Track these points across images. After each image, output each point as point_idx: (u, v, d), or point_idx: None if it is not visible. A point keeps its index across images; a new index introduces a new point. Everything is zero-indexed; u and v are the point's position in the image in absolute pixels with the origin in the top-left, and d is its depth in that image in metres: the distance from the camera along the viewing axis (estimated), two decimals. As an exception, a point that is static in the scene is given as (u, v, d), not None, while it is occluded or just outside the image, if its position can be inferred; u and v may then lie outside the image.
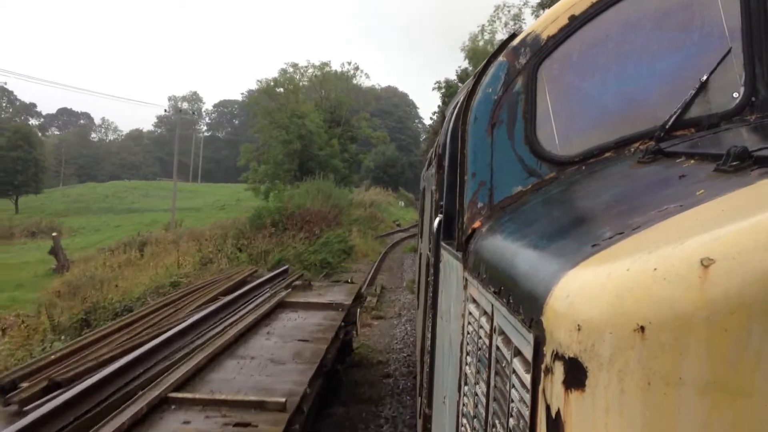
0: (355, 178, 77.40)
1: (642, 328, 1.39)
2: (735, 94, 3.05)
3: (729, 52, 3.05)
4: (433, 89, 63.33)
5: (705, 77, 3.03)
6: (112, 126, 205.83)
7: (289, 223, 38.97)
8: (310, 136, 64.46)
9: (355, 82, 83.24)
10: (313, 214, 40.83)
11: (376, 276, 30.83)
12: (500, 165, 3.20)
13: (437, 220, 4.60)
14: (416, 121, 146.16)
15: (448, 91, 58.08)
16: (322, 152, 65.57)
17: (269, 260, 30.25)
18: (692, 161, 2.21)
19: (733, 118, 3.00)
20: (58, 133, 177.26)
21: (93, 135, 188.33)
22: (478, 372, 2.73)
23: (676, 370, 1.35)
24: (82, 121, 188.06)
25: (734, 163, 1.85)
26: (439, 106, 64.74)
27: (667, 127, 2.91)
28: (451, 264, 3.85)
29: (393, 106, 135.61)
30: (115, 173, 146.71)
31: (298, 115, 64.58)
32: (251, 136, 73.34)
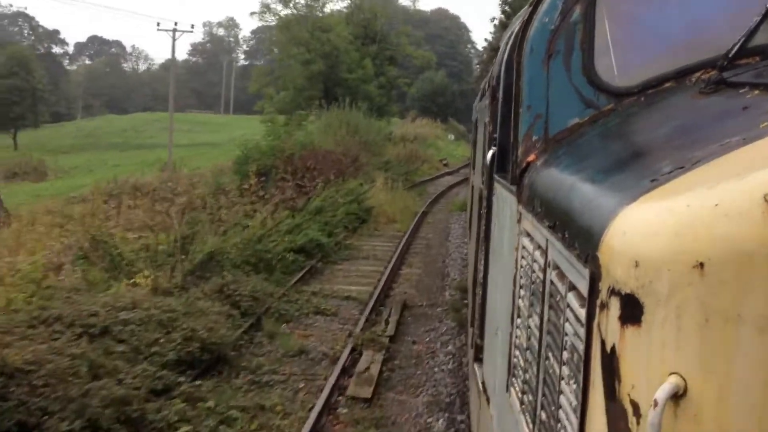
0: (394, 107, 64.23)
1: (701, 265, 1.37)
2: None
3: None
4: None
5: (772, 2, 2.89)
6: (143, 54, 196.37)
7: (286, 171, 26.57)
8: (336, 55, 52.95)
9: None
10: (320, 158, 28.60)
11: (397, 271, 18.05)
12: (556, 97, 3.14)
13: (491, 152, 4.56)
14: (468, 46, 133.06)
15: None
16: (353, 75, 53.37)
17: (190, 256, 14.36)
18: (756, 92, 2.14)
19: None
20: (89, 62, 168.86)
21: (124, 64, 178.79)
22: (531, 305, 2.74)
23: (736, 307, 1.34)
24: (113, 50, 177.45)
25: (802, 93, 1.78)
26: (494, 27, 57.19)
27: (730, 55, 2.80)
28: (504, 197, 3.84)
29: (443, 29, 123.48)
30: (147, 105, 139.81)
31: (322, 28, 53.17)
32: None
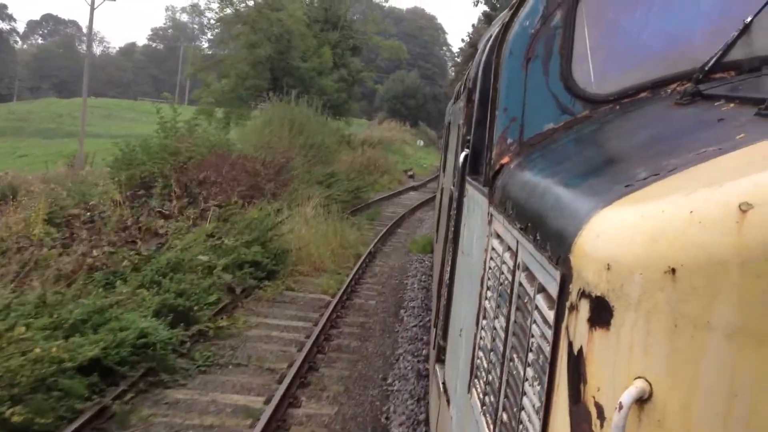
0: (355, 105, 54.37)
1: (673, 270, 1.38)
2: None
3: None
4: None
5: (749, 19, 2.92)
6: (98, 37, 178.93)
7: (167, 186, 18.21)
8: (288, 39, 42.99)
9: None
10: (224, 167, 19.69)
11: (294, 407, 9.11)
12: (533, 101, 3.14)
13: (463, 154, 4.56)
14: (444, 48, 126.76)
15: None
16: (306, 65, 43.74)
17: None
18: (732, 105, 2.16)
19: None
20: (42, 42, 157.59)
21: (80, 47, 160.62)
22: (498, 307, 2.74)
23: (705, 314, 1.34)
24: (68, 30, 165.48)
25: (778, 107, 1.80)
26: (473, 26, 53.28)
27: (706, 69, 2.83)
28: (476, 199, 3.84)
29: (418, 28, 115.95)
30: (100, 90, 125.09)
31: (272, 5, 43.29)
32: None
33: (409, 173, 47.76)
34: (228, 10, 46.20)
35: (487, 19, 48.65)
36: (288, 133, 29.71)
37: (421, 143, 69.59)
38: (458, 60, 74.20)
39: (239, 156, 21.91)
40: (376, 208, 29.49)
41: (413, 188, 40.69)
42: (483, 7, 51.80)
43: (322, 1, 52.48)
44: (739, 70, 2.90)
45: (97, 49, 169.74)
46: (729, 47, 2.88)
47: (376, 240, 21.54)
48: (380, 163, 42.93)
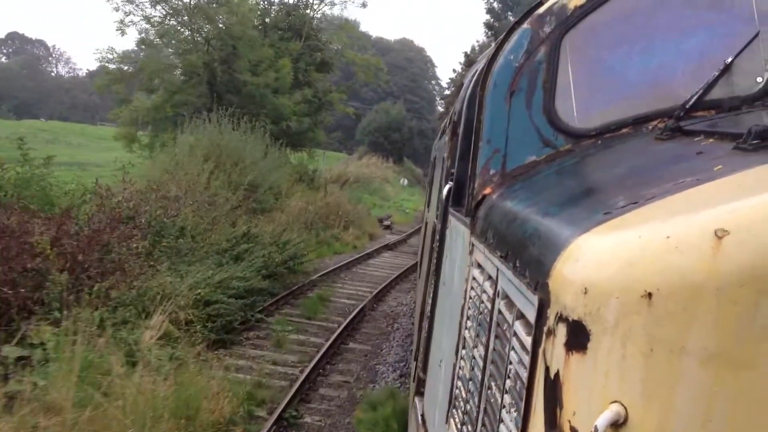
0: (321, 134, 41.71)
1: (650, 295, 1.38)
2: (759, 79, 3.01)
3: (757, 35, 3.01)
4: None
5: (730, 59, 2.98)
6: (63, 57, 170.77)
7: None
8: (234, 46, 32.95)
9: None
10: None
11: None
12: (516, 133, 3.18)
13: (447, 186, 4.58)
14: (433, 82, 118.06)
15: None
16: (257, 79, 33.04)
17: None
18: (711, 140, 2.19)
19: (755, 102, 2.97)
20: (5, 61, 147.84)
21: (49, 67, 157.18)
22: (477, 336, 2.74)
23: (681, 339, 1.35)
24: (35, 51, 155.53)
25: (755, 141, 1.83)
26: (465, 55, 48.85)
27: (687, 106, 2.88)
28: (458, 230, 3.85)
29: (406, 60, 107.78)
30: (64, 114, 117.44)
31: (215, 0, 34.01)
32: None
33: (386, 222, 36.41)
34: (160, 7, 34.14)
35: (490, 29, 46.58)
36: (209, 167, 21.04)
37: (405, 182, 61.24)
38: (448, 92, 68.80)
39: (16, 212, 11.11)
40: (323, 290, 17.83)
41: (388, 247, 28.88)
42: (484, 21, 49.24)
43: (283, 5, 40.92)
44: (719, 108, 2.96)
45: (63, 70, 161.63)
46: (710, 86, 2.94)
47: (290, 390, 10.36)
48: (347, 208, 31.45)
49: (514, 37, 3.27)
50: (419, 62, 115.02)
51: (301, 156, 39.45)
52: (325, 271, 20.42)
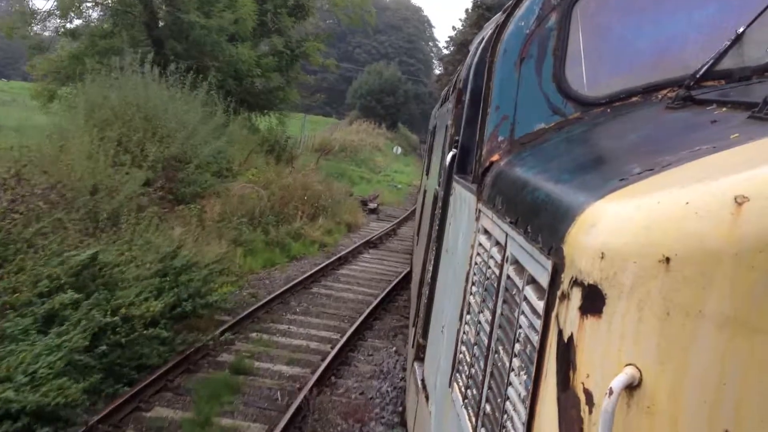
0: (295, 93, 32.66)
1: (667, 260, 1.39)
2: None
3: None
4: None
5: (742, 29, 2.97)
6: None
7: None
8: None
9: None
10: None
11: None
12: (525, 100, 3.17)
13: (451, 153, 4.58)
14: (430, 43, 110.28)
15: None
16: (209, 21, 24.53)
17: None
18: (724, 109, 2.19)
19: (765, 73, 2.96)
20: None
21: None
22: (483, 301, 2.76)
23: (698, 303, 1.36)
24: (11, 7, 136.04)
25: (771, 110, 1.83)
26: (466, 12, 45.95)
27: (698, 76, 2.87)
28: (463, 197, 3.86)
29: (402, 20, 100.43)
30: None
31: None
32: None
33: (371, 205, 28.91)
34: None
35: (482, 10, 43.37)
36: (113, 135, 14.90)
37: (399, 151, 53.40)
38: (447, 51, 63.46)
39: None
40: (246, 348, 10.78)
41: (371, 244, 21.20)
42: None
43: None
44: (730, 78, 2.95)
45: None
46: (721, 56, 2.92)
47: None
48: (315, 192, 23.19)
49: (526, 3, 3.25)
50: (416, 22, 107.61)
51: (270, 121, 31.62)
52: (263, 302, 12.77)
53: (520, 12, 3.27)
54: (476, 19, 44.54)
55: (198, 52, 24.94)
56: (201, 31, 24.21)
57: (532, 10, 3.21)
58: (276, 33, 30.10)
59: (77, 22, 26.66)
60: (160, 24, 25.80)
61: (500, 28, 3.41)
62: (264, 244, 17.39)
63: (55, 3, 25.42)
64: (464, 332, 3.09)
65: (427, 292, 5.35)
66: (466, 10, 47.10)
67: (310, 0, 32.83)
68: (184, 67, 20.42)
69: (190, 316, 10.56)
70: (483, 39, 4.61)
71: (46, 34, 28.19)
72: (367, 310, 13.27)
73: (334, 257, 18.15)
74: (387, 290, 15.08)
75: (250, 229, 17.19)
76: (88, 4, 26.33)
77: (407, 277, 15.34)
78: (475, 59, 4.41)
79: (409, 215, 27.45)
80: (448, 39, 65.81)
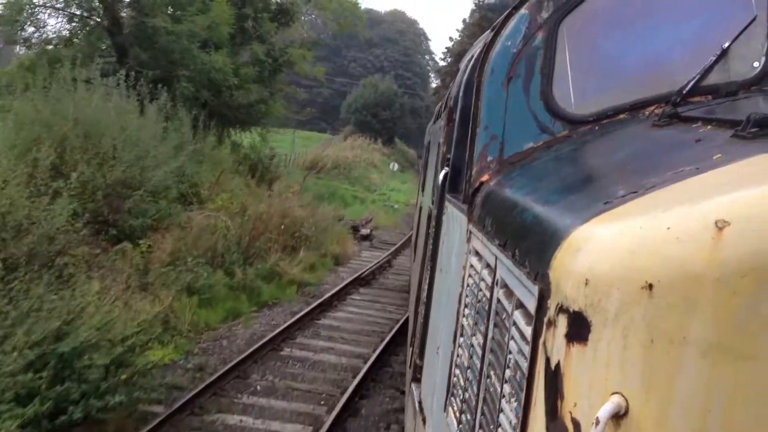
0: (279, 106, 28.74)
1: (650, 286, 1.38)
2: (756, 64, 3.01)
3: (754, 20, 3.00)
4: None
5: (727, 44, 2.97)
6: None
7: None
8: None
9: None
10: None
11: None
12: (513, 120, 3.17)
13: (443, 172, 4.58)
14: (427, 56, 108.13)
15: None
16: (179, 26, 21.26)
17: None
18: (709, 126, 2.19)
19: (752, 87, 2.96)
20: None
21: None
22: (475, 324, 2.74)
23: (682, 330, 1.35)
24: None
25: (753, 129, 1.82)
26: (463, 22, 45.44)
27: (684, 92, 2.87)
28: (455, 216, 3.85)
29: (398, 33, 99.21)
30: None
31: None
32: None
33: (363, 231, 26.32)
34: None
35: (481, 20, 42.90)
36: (46, 155, 12.05)
37: (396, 167, 51.15)
38: (444, 63, 62.11)
39: None
40: None
41: (362, 280, 18.02)
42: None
43: None
44: (716, 94, 2.95)
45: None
46: (706, 71, 2.93)
47: None
48: (295, 219, 19.51)
49: (512, 23, 3.25)
50: (412, 35, 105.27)
51: (253, 138, 28.95)
52: (211, 380, 9.72)
53: (506, 31, 3.27)
54: (479, 19, 44.25)
55: (167, 61, 21.69)
56: (168, 37, 21.14)
57: (519, 30, 3.21)
58: (258, 40, 26.41)
59: (31, 29, 22.65)
60: (125, 31, 22.60)
61: (488, 47, 3.41)
62: (227, 289, 14.05)
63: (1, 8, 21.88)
64: (458, 355, 3.07)
65: (422, 311, 5.33)
66: (464, 20, 46.80)
67: (294, 5, 29.65)
68: (150, 77, 18.71)
69: (85, 422, 7.05)
70: (472, 57, 4.62)
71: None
72: (353, 385, 10.22)
73: (316, 302, 14.83)
74: (380, 349, 11.99)
75: (210, 271, 13.77)
76: (41, 9, 22.46)
77: (405, 326, 12.28)
78: (465, 78, 4.41)
79: (406, 241, 23.60)
80: (446, 50, 64.22)
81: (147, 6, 21.48)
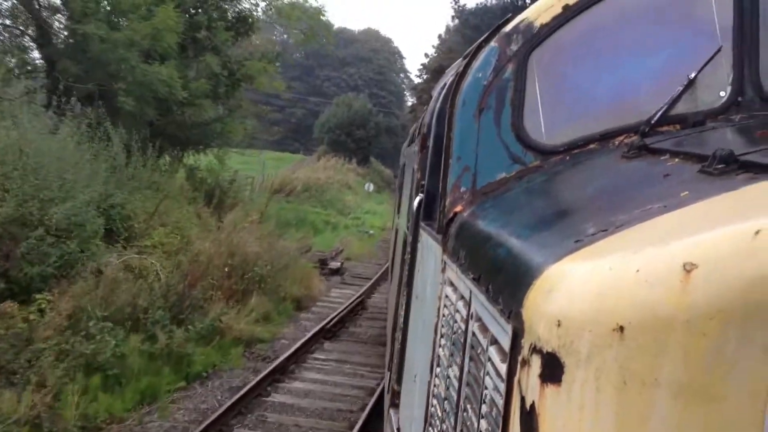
0: (240, 126, 25.76)
1: (621, 328, 1.40)
2: (722, 93, 3.07)
3: (719, 50, 3.07)
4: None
5: (693, 74, 3.04)
6: None
7: None
8: None
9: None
10: None
11: None
12: (485, 150, 3.20)
13: (417, 199, 4.60)
14: (401, 75, 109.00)
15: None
16: (113, 35, 17.82)
17: None
18: (677, 160, 2.23)
19: (719, 116, 3.02)
20: None
21: None
22: (451, 355, 2.75)
23: (653, 372, 1.37)
24: None
25: (719, 165, 1.86)
26: (439, 37, 45.63)
27: (652, 122, 2.93)
28: (429, 245, 3.87)
29: (371, 51, 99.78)
30: None
31: None
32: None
33: (333, 264, 23.74)
34: None
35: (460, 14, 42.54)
36: None
37: (371, 188, 49.16)
38: (420, 80, 61.65)
39: None
40: None
41: (328, 333, 15.10)
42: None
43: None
44: (684, 123, 3.01)
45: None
46: (674, 101, 2.99)
47: None
48: (246, 256, 16.21)
49: (482, 55, 3.30)
50: (386, 54, 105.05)
51: (209, 160, 25.52)
52: None
53: (477, 63, 3.31)
54: (459, 25, 43.96)
55: (102, 74, 18.60)
56: (103, 45, 18.01)
57: (489, 62, 3.25)
58: (212, 51, 22.92)
59: None
60: (54, 41, 20.01)
61: (459, 78, 3.45)
62: (146, 359, 10.77)
63: None
64: (435, 385, 3.08)
65: (400, 337, 5.33)
66: (439, 36, 45.75)
67: (254, 12, 26.42)
68: (83, 93, 16.73)
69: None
70: (445, 85, 4.66)
71: None
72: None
73: (266, 369, 11.65)
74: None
75: (121, 337, 10.60)
76: None
77: (382, 401, 9.32)
78: (437, 105, 4.45)
79: (383, 274, 20.52)
80: (421, 66, 63.80)
81: (77, 12, 18.45)
